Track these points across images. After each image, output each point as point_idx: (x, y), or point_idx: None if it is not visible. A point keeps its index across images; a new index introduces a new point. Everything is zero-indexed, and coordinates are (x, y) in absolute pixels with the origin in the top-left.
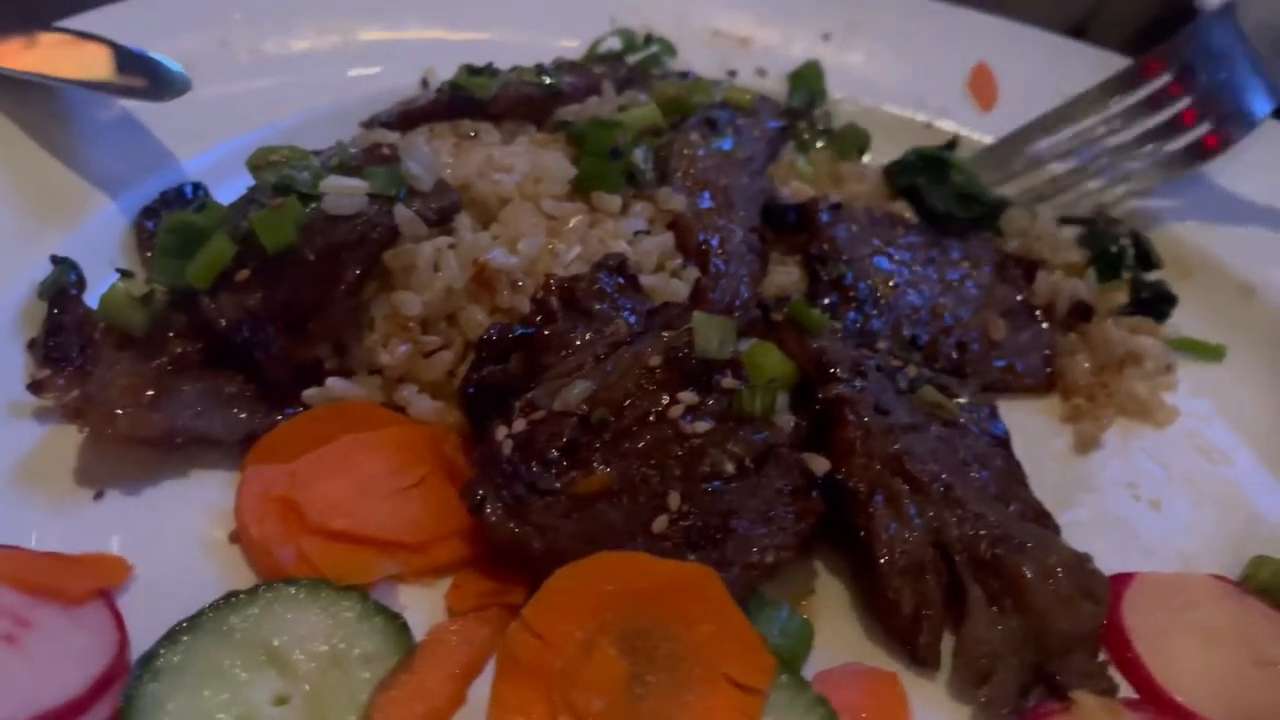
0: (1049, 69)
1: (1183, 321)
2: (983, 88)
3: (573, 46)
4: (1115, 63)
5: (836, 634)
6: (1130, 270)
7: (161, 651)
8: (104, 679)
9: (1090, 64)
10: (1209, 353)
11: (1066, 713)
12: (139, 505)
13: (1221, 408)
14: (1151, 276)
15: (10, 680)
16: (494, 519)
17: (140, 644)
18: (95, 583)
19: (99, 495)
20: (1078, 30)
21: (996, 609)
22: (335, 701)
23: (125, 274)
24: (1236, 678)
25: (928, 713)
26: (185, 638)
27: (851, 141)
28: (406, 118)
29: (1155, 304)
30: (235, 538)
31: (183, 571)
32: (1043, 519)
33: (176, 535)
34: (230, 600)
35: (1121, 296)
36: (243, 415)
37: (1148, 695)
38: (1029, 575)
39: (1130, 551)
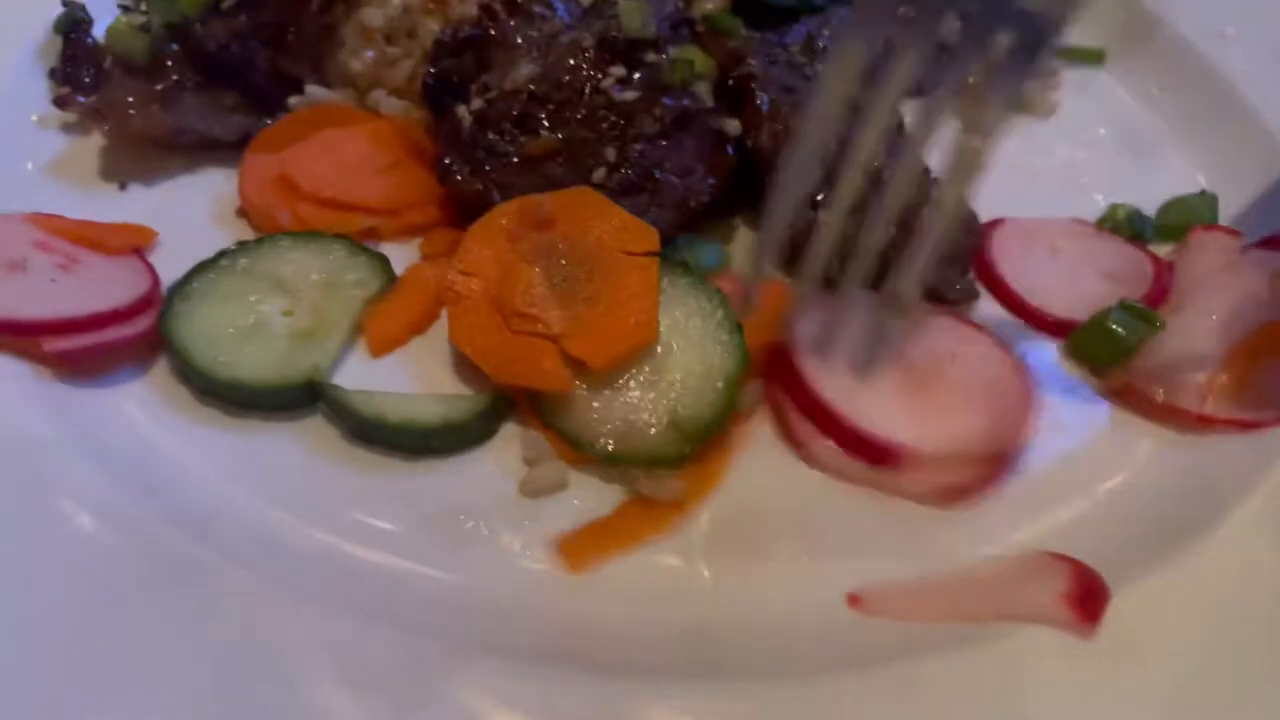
0: None
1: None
2: None
3: None
4: None
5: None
6: None
7: (188, 281)
8: (143, 300)
9: None
10: (1090, 57)
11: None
12: (156, 193)
13: (1098, 101)
14: None
15: (66, 292)
16: (460, 179)
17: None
18: (129, 241)
19: (122, 186)
20: None
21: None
22: (332, 313)
23: (126, 9)
24: (1081, 285)
25: None
26: (206, 272)
27: None
28: None
29: None
30: (240, 212)
31: (198, 238)
32: (926, 173)
33: (190, 214)
34: (241, 246)
35: None
36: (239, 119)
37: (1004, 300)
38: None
39: (1006, 208)
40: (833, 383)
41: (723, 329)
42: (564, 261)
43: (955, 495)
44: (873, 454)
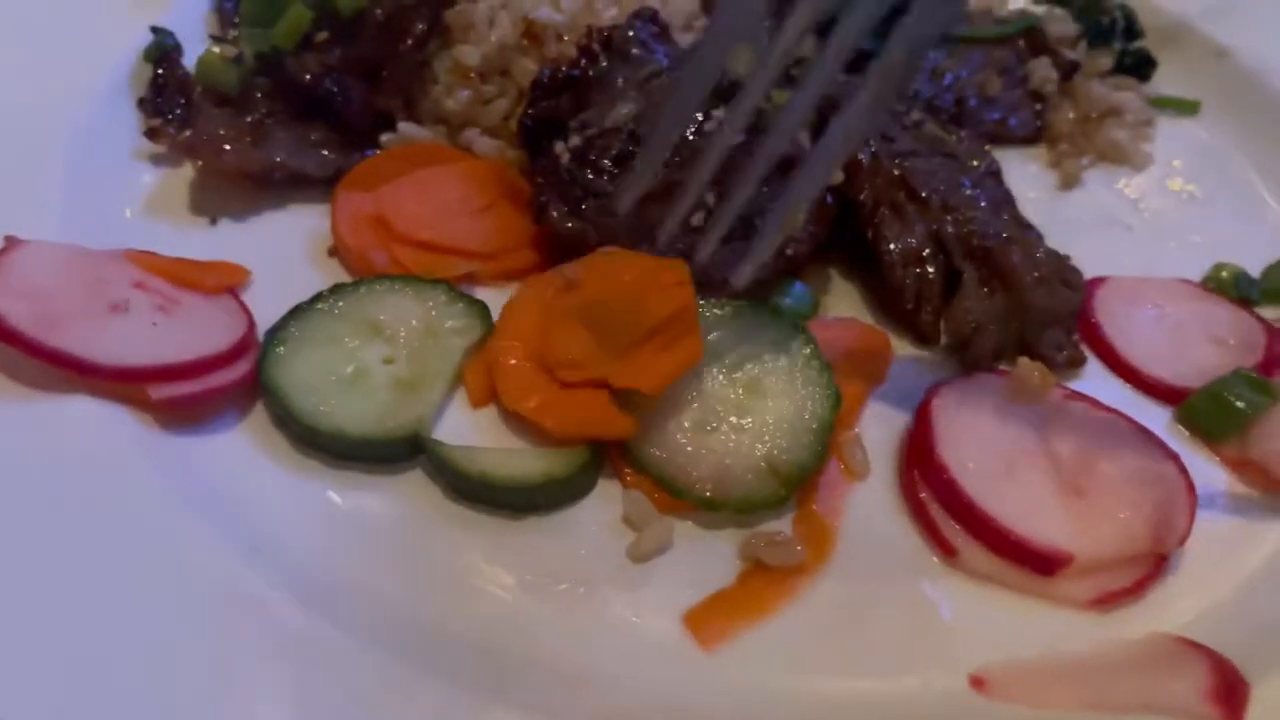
0: None
1: (1164, 84)
2: None
3: None
4: None
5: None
6: (1119, 40)
7: (285, 325)
8: (240, 344)
9: None
10: (1185, 108)
11: (1006, 375)
12: (248, 230)
13: (1194, 153)
14: (1135, 45)
15: (168, 335)
16: (556, 217)
17: (265, 328)
18: (224, 280)
19: (213, 222)
20: None
21: (986, 289)
22: (433, 361)
23: (217, 39)
24: (1189, 349)
25: (916, 370)
26: (304, 315)
27: None
28: None
29: (1138, 67)
30: (333, 252)
31: (291, 278)
32: (1028, 229)
33: (282, 252)
34: (338, 289)
35: (1107, 61)
36: (330, 155)
37: (1110, 364)
38: (1015, 260)
39: (1105, 264)
40: (984, 485)
41: (812, 369)
42: (600, 314)
43: (1116, 599)
44: (1035, 562)
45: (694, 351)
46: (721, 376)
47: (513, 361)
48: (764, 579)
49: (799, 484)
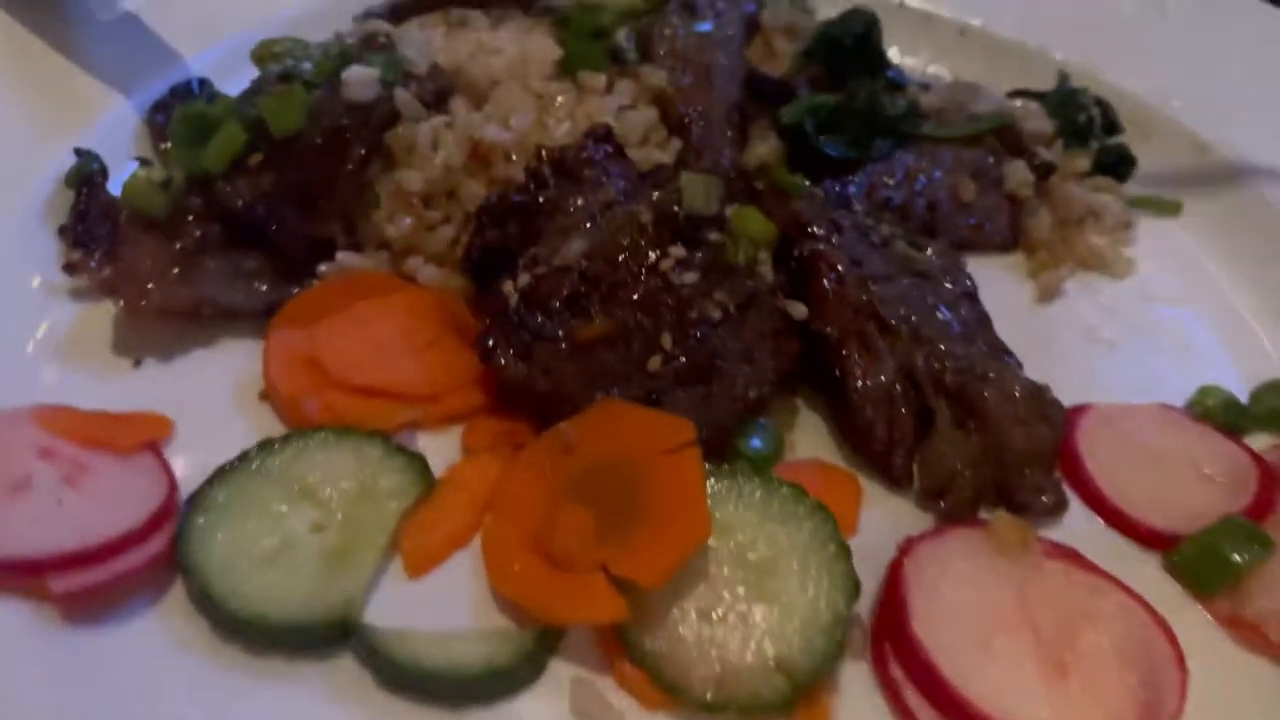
0: None
1: (1143, 180)
2: None
3: None
4: None
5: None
6: (1097, 138)
7: (208, 490)
8: (158, 515)
9: None
10: (1166, 209)
11: (981, 528)
12: (174, 372)
13: (1177, 259)
14: (1113, 140)
15: (73, 515)
16: (504, 363)
17: (187, 489)
18: (143, 436)
19: (137, 364)
20: None
21: (960, 430)
22: (366, 528)
23: (144, 162)
24: (1179, 490)
25: (890, 516)
26: (228, 478)
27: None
28: (397, 10)
29: (1116, 166)
30: (264, 396)
31: (219, 427)
32: (1005, 356)
33: (210, 397)
34: (265, 446)
35: (1085, 162)
36: (263, 288)
37: (1096, 507)
38: (990, 399)
39: (1087, 388)
40: (961, 663)
41: (829, 552)
42: (600, 484)
43: None
44: None
45: (701, 530)
46: (729, 558)
47: (502, 542)
48: None
49: (811, 687)
